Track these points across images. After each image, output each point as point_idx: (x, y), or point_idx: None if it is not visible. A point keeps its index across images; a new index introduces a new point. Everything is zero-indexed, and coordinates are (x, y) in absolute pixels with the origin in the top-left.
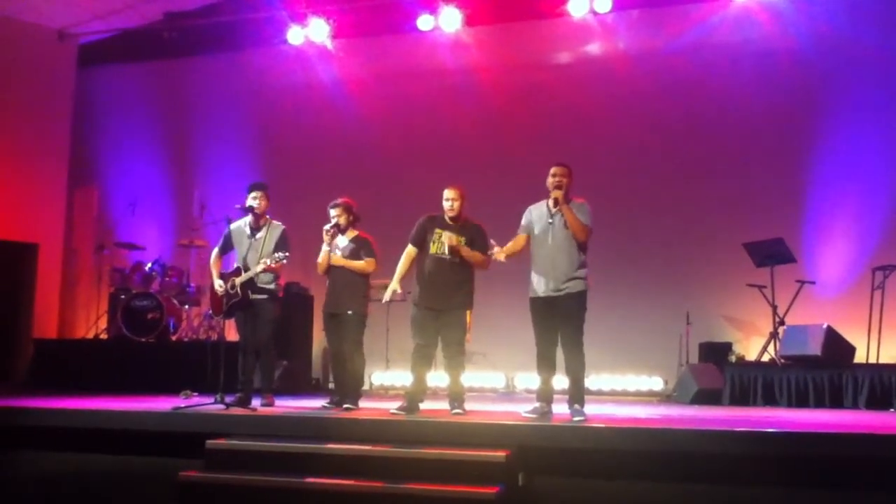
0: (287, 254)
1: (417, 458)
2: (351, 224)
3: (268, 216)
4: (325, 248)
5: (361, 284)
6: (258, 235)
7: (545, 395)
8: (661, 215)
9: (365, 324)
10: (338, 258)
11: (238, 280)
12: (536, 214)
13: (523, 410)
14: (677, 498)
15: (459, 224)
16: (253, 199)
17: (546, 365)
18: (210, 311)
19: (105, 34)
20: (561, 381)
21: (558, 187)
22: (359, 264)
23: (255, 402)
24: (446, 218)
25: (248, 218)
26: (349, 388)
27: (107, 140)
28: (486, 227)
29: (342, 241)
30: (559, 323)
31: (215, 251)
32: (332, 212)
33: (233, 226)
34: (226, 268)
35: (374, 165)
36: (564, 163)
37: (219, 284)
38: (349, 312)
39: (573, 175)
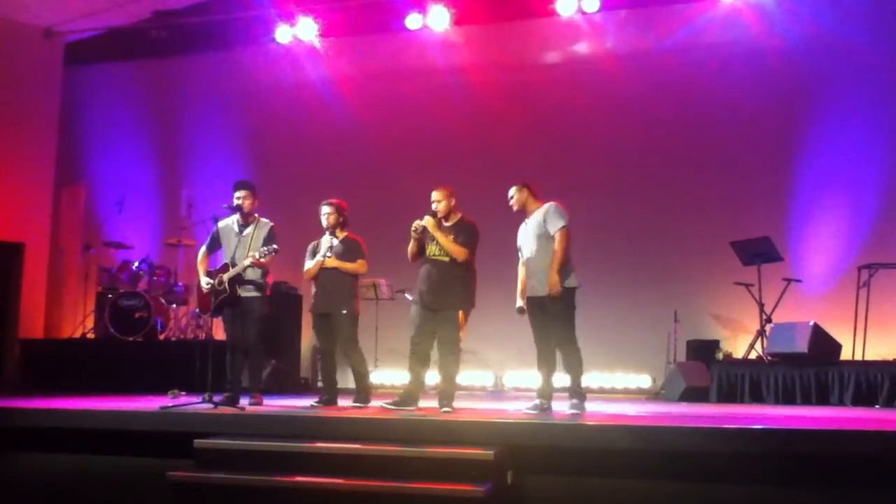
0: (275, 247)
1: (406, 456)
2: (340, 225)
3: (256, 214)
4: (319, 257)
5: (351, 284)
6: (246, 232)
7: (544, 393)
8: (650, 214)
9: (357, 322)
10: (330, 259)
11: (226, 276)
12: (522, 228)
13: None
14: (665, 495)
15: (449, 223)
16: (238, 199)
17: (543, 362)
18: (197, 310)
19: (93, 32)
20: (556, 380)
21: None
22: (351, 265)
23: (244, 402)
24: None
25: (236, 216)
26: (357, 386)
27: (94, 139)
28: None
29: (329, 241)
30: (550, 322)
31: (202, 249)
32: (324, 209)
33: (220, 224)
34: (214, 266)
35: (363, 164)
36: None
37: (206, 282)
38: (343, 312)
39: (531, 187)
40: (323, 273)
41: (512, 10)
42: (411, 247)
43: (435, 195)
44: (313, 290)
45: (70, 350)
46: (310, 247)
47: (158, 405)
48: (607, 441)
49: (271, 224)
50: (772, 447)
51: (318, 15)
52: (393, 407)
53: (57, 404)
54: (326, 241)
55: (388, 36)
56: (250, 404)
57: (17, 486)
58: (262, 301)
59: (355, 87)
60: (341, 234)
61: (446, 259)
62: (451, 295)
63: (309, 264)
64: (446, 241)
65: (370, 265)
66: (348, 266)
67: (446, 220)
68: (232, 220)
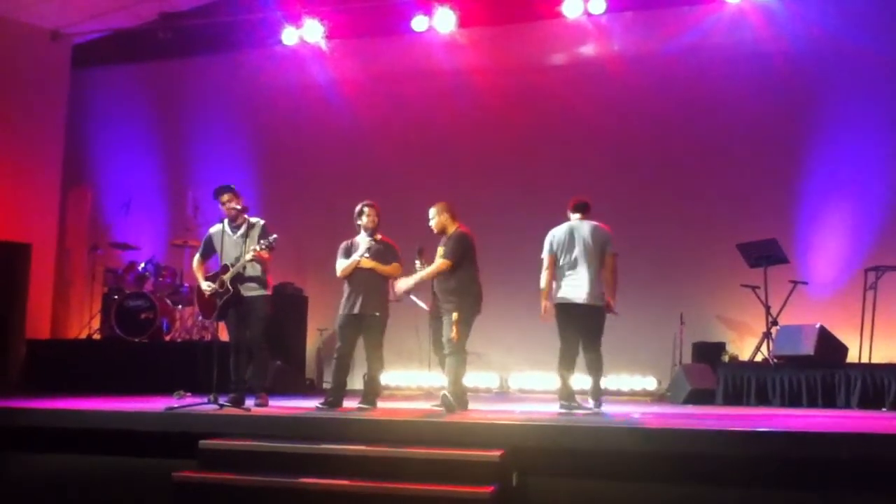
0: (275, 236)
1: (412, 457)
2: (377, 228)
3: (245, 215)
4: (356, 257)
5: (385, 288)
6: (239, 234)
7: (571, 394)
8: (656, 216)
9: (386, 326)
10: (367, 261)
11: (227, 276)
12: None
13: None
14: (670, 498)
15: (447, 235)
16: (224, 205)
17: (570, 364)
18: (201, 317)
19: (99, 34)
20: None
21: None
22: (387, 268)
23: (249, 402)
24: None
25: (226, 220)
26: (367, 388)
27: (101, 140)
28: (477, 226)
29: (368, 242)
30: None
31: (196, 257)
32: (368, 209)
33: (211, 230)
34: (212, 270)
35: (368, 165)
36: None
37: (207, 286)
38: (376, 314)
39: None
40: (357, 273)
41: (518, 13)
42: None
43: (430, 212)
44: (346, 289)
45: (76, 351)
46: (343, 245)
47: (164, 406)
48: (612, 443)
49: (263, 221)
50: (778, 450)
51: (323, 17)
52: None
53: (63, 405)
54: (364, 241)
55: (393, 38)
56: (256, 405)
57: (23, 486)
58: (266, 300)
59: (361, 89)
60: (377, 237)
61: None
62: (446, 301)
63: (343, 263)
64: (429, 273)
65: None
66: (384, 269)
67: (444, 233)
68: (222, 225)
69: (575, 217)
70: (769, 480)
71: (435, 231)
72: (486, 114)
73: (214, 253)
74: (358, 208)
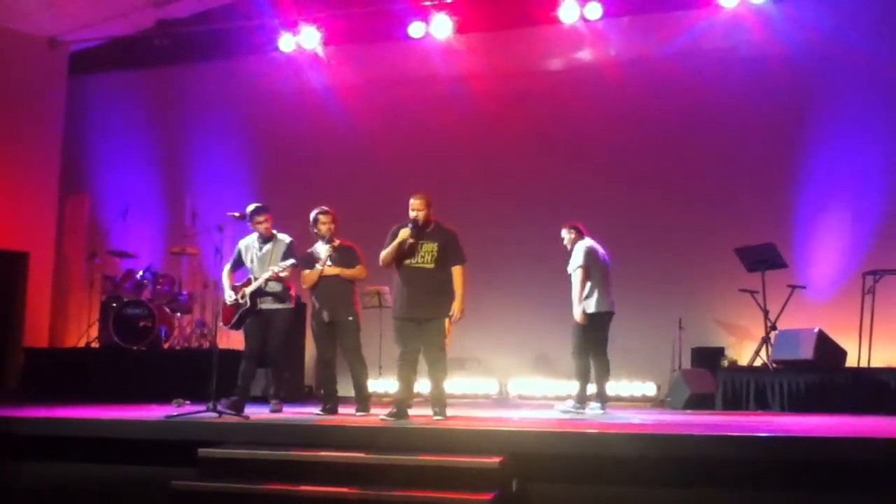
0: (293, 261)
1: (411, 465)
2: (334, 233)
3: (274, 231)
4: (319, 266)
5: (352, 291)
6: (265, 249)
7: (585, 397)
8: (653, 221)
9: (360, 329)
10: (331, 267)
11: (247, 290)
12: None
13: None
14: (670, 502)
15: (428, 230)
16: (260, 223)
17: (587, 371)
18: (221, 323)
19: (97, 42)
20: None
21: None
22: (353, 272)
23: (264, 409)
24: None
25: (255, 234)
26: (358, 395)
27: (98, 148)
28: (476, 232)
29: (327, 249)
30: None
31: (227, 267)
32: (324, 217)
33: (242, 243)
34: (239, 280)
35: (365, 172)
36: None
37: (229, 296)
38: (349, 318)
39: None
40: (324, 281)
41: (514, 18)
42: (390, 254)
43: (413, 203)
44: (314, 298)
45: (74, 359)
46: (303, 256)
47: (163, 414)
48: (612, 448)
49: (290, 240)
50: (777, 454)
51: (320, 23)
52: (392, 419)
53: (61, 413)
54: (323, 248)
55: (390, 44)
56: (271, 411)
57: (22, 495)
58: (287, 314)
59: (358, 95)
60: (335, 242)
61: (431, 266)
62: (436, 304)
63: (307, 273)
64: (464, 286)
65: (369, 271)
66: (350, 272)
67: (424, 227)
68: (252, 239)
69: (587, 238)
70: (769, 484)
71: (421, 222)
72: (484, 119)
73: (243, 265)
74: (313, 216)
